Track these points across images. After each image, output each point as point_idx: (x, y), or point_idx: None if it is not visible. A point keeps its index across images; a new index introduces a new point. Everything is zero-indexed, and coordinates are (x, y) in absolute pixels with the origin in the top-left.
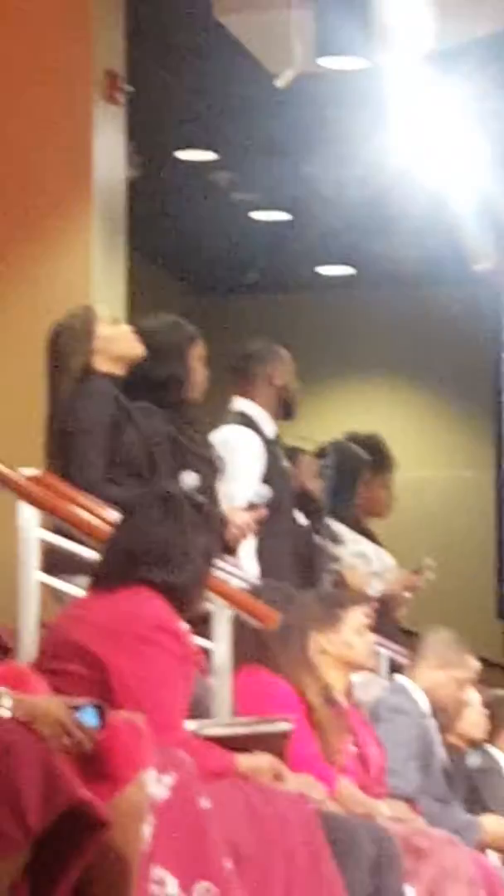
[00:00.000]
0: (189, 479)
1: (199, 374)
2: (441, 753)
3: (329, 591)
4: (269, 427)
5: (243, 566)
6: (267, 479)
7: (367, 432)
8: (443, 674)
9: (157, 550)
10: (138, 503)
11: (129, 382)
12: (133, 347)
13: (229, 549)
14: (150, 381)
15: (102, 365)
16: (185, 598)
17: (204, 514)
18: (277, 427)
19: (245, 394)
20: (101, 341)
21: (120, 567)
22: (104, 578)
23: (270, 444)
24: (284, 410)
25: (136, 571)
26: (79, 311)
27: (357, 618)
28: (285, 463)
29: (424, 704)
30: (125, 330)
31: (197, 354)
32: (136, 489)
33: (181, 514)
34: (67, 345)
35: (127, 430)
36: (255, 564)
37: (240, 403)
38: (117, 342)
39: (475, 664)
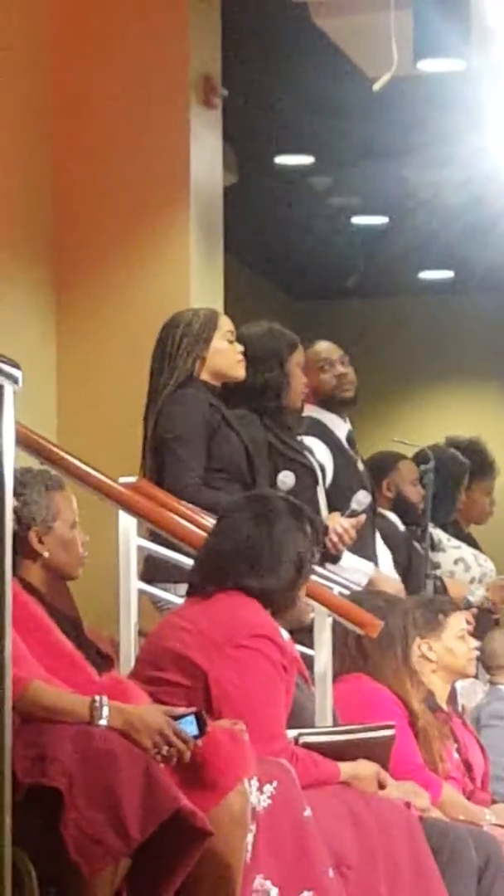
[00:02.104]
0: (287, 480)
1: (298, 380)
2: None
3: (430, 597)
4: (340, 428)
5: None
6: (338, 481)
7: (468, 437)
8: None
9: (247, 555)
10: (230, 508)
11: (229, 389)
12: (237, 370)
13: (332, 557)
14: (250, 388)
15: (203, 373)
16: (276, 604)
17: (299, 519)
18: (365, 429)
19: (308, 401)
20: (213, 352)
21: (213, 573)
22: (199, 585)
23: (340, 448)
24: (332, 404)
25: (228, 577)
26: (203, 315)
27: (458, 623)
28: (360, 465)
29: None
30: (236, 350)
31: (296, 361)
32: (235, 495)
33: (273, 518)
34: (184, 344)
35: (224, 435)
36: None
37: (308, 409)
38: (226, 359)
39: None
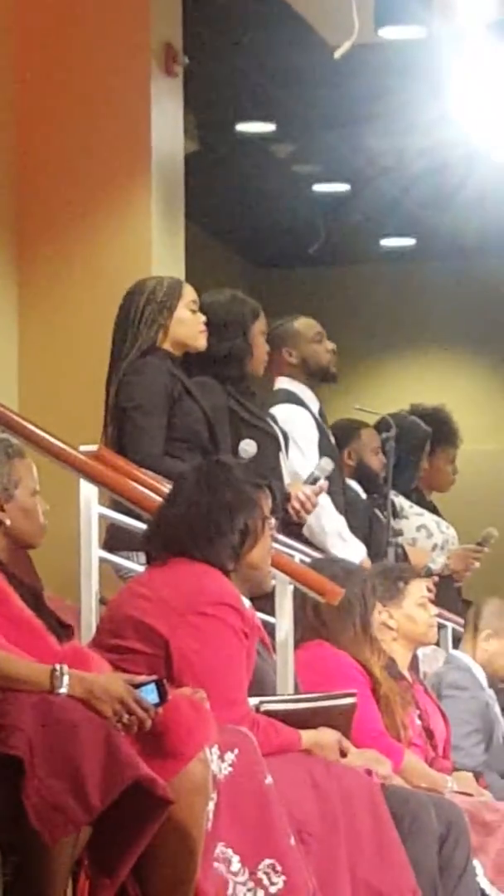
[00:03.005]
0: (249, 448)
1: (260, 348)
2: (501, 728)
3: (391, 564)
4: (312, 402)
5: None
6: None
7: (431, 405)
8: (497, 643)
9: (190, 523)
10: (180, 476)
11: (192, 357)
12: (199, 340)
13: (294, 524)
14: (212, 356)
15: (165, 343)
16: (228, 572)
17: (247, 486)
18: (329, 400)
19: (281, 373)
20: (176, 321)
21: (162, 541)
22: (153, 553)
23: (317, 421)
24: (322, 377)
25: (175, 545)
26: (166, 283)
27: (419, 591)
28: (331, 438)
29: (482, 678)
30: (199, 320)
31: (259, 329)
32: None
33: (217, 486)
34: (147, 313)
35: (185, 404)
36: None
37: (281, 382)
38: (188, 329)
39: None
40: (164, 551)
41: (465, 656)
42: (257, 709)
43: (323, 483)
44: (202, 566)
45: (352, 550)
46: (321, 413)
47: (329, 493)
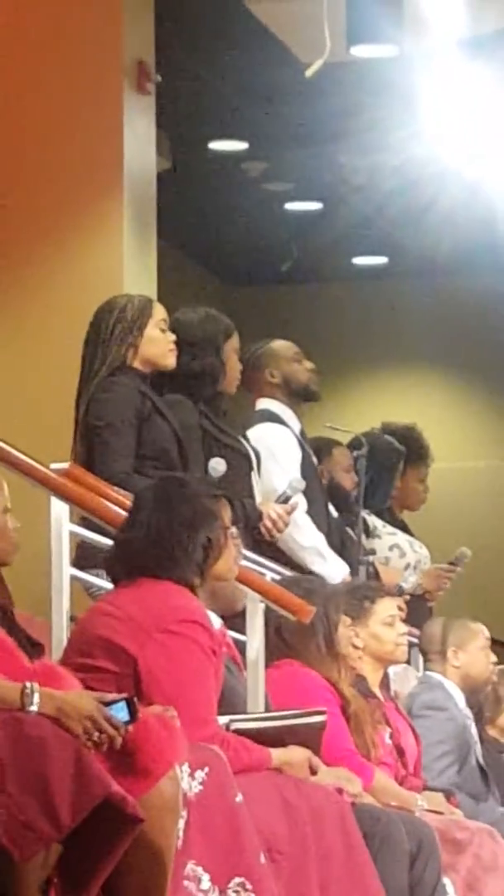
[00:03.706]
0: (219, 467)
1: (233, 366)
2: (477, 749)
3: (358, 583)
4: (294, 422)
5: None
6: (301, 474)
7: (404, 423)
8: (465, 654)
9: (150, 542)
10: (138, 495)
11: (165, 374)
12: (168, 359)
13: (266, 542)
14: (185, 374)
15: (135, 361)
16: (193, 588)
17: (205, 502)
18: (303, 419)
19: (261, 395)
20: (146, 340)
21: (126, 565)
22: (117, 577)
23: (300, 442)
24: (305, 396)
25: (140, 567)
26: (137, 302)
27: (387, 610)
28: (314, 457)
29: (459, 698)
30: (168, 339)
31: (232, 347)
32: None
33: (177, 503)
34: (118, 331)
35: (154, 423)
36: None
37: (263, 403)
38: (158, 348)
39: (481, 626)
40: (129, 574)
41: (439, 676)
42: (227, 727)
43: (294, 501)
44: (168, 584)
45: (331, 568)
46: (303, 433)
47: (311, 513)
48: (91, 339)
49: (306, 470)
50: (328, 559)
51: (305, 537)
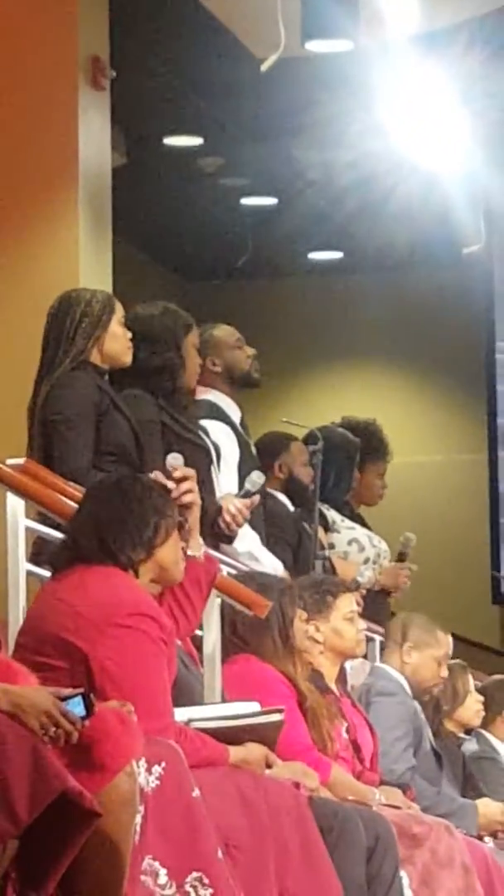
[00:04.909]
0: (174, 461)
1: (193, 361)
2: (428, 732)
3: (320, 577)
4: (234, 412)
5: (260, 559)
6: (238, 466)
7: (363, 419)
8: (418, 655)
9: (99, 526)
10: (91, 487)
11: (125, 370)
12: (126, 356)
13: (225, 538)
14: (144, 369)
15: (94, 356)
16: (138, 573)
17: (160, 492)
18: (257, 413)
19: (203, 383)
20: (109, 336)
21: (70, 552)
22: (62, 560)
23: (237, 431)
24: (246, 383)
25: (82, 551)
26: (101, 297)
27: (347, 605)
28: (253, 448)
29: (407, 686)
30: (127, 336)
31: (192, 342)
32: None
33: (126, 489)
34: (83, 325)
35: (112, 419)
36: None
37: (202, 392)
38: (119, 344)
39: (448, 640)
40: (71, 561)
41: (390, 668)
42: (186, 726)
43: (255, 497)
44: (112, 570)
45: (265, 568)
46: (243, 423)
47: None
48: (52, 332)
49: (245, 462)
50: (261, 560)
51: (239, 542)
